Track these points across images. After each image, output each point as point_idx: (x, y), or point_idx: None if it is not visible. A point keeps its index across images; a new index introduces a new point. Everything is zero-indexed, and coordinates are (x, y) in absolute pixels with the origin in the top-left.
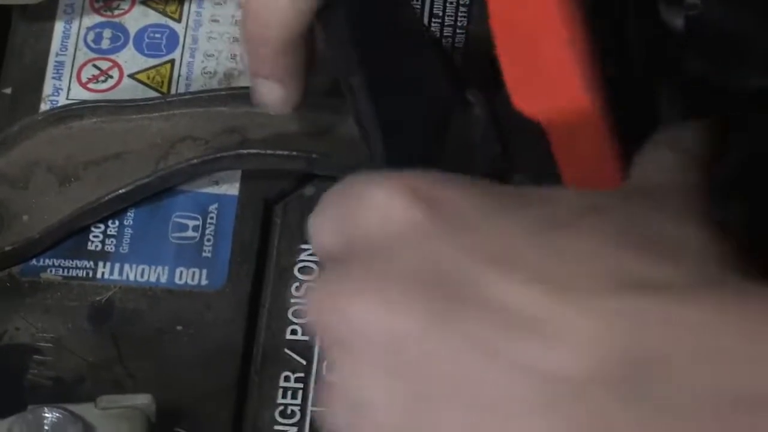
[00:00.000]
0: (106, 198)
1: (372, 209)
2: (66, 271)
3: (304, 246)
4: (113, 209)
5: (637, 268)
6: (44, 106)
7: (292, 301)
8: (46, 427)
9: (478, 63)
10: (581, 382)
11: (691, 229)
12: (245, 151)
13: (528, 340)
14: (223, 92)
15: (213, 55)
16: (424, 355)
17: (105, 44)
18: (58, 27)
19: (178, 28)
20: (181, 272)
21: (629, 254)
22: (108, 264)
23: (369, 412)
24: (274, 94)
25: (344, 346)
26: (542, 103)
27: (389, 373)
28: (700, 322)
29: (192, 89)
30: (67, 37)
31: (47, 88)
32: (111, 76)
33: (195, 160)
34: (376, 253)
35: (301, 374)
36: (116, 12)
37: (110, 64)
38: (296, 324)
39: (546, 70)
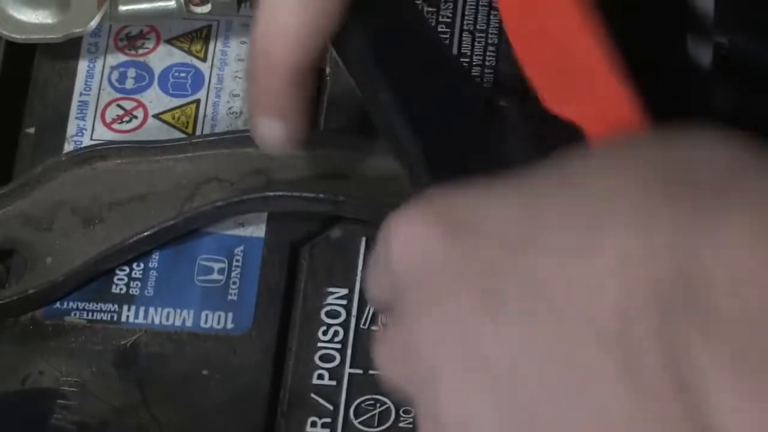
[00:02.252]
0: (131, 240)
1: (406, 249)
2: (90, 314)
3: (331, 289)
4: (138, 251)
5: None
6: (68, 147)
7: (319, 344)
8: None
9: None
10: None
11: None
12: (271, 193)
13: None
14: (249, 133)
15: (239, 94)
16: (509, 359)
17: (129, 84)
18: (82, 66)
19: (204, 67)
20: (207, 315)
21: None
22: (133, 307)
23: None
24: (275, 133)
25: (426, 381)
26: (575, 104)
27: (484, 390)
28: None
29: (218, 129)
30: (91, 76)
31: (71, 128)
32: (135, 117)
33: (220, 202)
34: (424, 291)
35: (328, 419)
36: (141, 51)
37: (135, 104)
38: (323, 368)
39: (576, 70)
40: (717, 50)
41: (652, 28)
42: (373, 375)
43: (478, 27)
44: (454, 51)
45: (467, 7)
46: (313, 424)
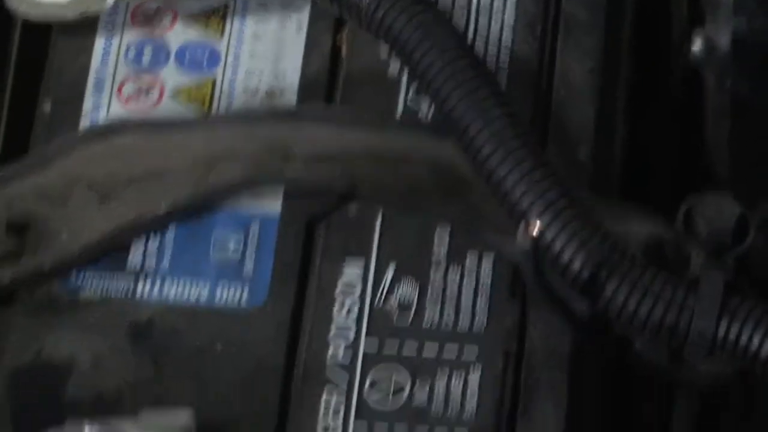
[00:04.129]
0: (146, 217)
1: None
2: (105, 288)
3: (346, 265)
4: (153, 227)
5: None
6: (84, 123)
7: (334, 320)
8: None
9: (522, 83)
10: None
11: None
12: (287, 170)
13: None
14: (265, 110)
15: (255, 72)
16: None
17: (146, 61)
18: (99, 43)
19: (220, 44)
20: (222, 291)
21: None
22: (148, 282)
23: None
24: None
25: None
26: None
27: None
28: None
29: (233, 107)
30: (108, 53)
31: (87, 104)
32: (152, 93)
33: (236, 179)
34: None
35: (343, 394)
36: (157, 28)
37: (151, 81)
38: (338, 343)
39: None
40: (736, 32)
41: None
42: (387, 349)
43: (494, 6)
44: (470, 31)
45: None
46: (328, 399)
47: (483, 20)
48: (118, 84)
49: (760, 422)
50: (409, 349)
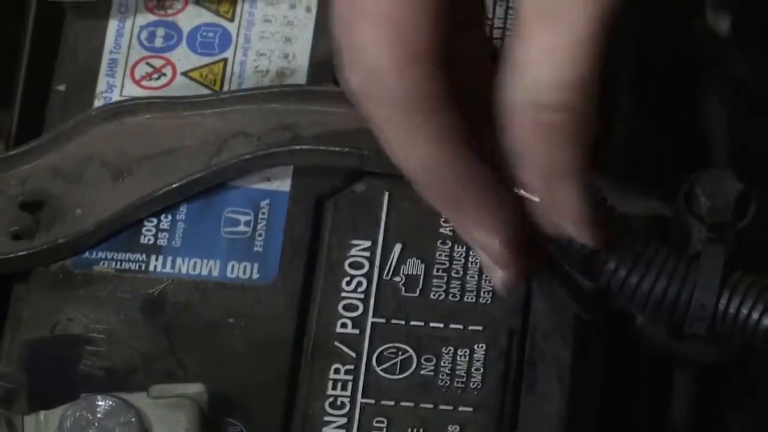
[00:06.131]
0: (159, 192)
1: None
2: (119, 263)
3: (354, 241)
4: (166, 204)
5: None
6: (98, 103)
7: (343, 294)
8: (99, 415)
9: None
10: None
11: None
12: (297, 147)
13: None
14: (276, 89)
15: (265, 54)
16: None
17: (158, 42)
18: (112, 25)
19: (231, 27)
20: (233, 266)
21: None
22: (160, 257)
23: None
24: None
25: None
26: None
27: None
28: None
29: (244, 87)
30: (121, 35)
31: (101, 85)
32: (164, 74)
33: (247, 156)
34: None
35: (351, 366)
36: (169, 11)
37: (163, 62)
38: (346, 317)
39: None
40: (735, 16)
41: None
42: (395, 324)
43: None
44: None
45: None
46: (337, 371)
47: None
48: (132, 65)
49: (760, 400)
50: (416, 323)
